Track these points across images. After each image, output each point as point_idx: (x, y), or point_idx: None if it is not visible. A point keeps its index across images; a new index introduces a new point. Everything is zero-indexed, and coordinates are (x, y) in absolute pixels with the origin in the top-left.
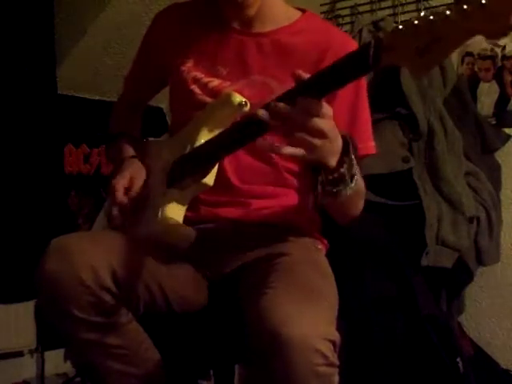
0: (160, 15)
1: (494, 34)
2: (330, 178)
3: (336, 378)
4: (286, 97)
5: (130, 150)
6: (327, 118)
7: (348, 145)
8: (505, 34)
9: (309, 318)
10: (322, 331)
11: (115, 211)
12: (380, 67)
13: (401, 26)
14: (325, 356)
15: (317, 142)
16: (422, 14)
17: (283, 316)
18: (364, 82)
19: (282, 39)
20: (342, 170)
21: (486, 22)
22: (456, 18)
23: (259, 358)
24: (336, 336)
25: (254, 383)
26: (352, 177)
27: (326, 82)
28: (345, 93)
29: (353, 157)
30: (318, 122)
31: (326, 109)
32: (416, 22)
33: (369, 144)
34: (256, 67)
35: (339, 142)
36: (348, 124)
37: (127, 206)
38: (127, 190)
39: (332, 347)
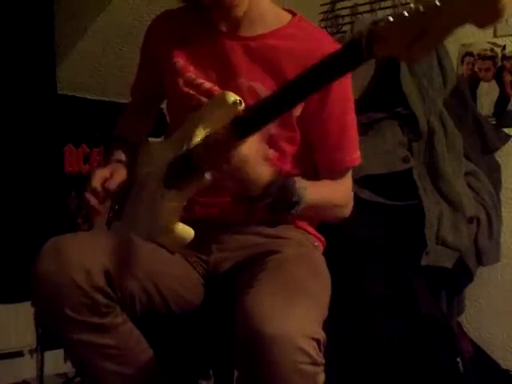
0: (152, 24)
1: (483, 22)
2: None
3: (321, 377)
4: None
5: (119, 154)
6: (237, 158)
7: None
8: (494, 22)
9: (293, 316)
10: (305, 330)
11: (89, 196)
12: (373, 58)
13: (391, 18)
14: (308, 354)
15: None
16: (412, 5)
17: (267, 314)
18: (351, 96)
19: (271, 43)
20: (266, 200)
21: (475, 10)
22: (445, 6)
23: (244, 356)
24: (321, 335)
25: (241, 382)
26: (293, 204)
27: (321, 75)
28: (333, 108)
29: (293, 189)
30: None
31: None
32: (406, 14)
33: (354, 157)
34: (242, 71)
35: (260, 180)
36: (337, 138)
37: (100, 194)
38: (104, 182)
39: (316, 346)
